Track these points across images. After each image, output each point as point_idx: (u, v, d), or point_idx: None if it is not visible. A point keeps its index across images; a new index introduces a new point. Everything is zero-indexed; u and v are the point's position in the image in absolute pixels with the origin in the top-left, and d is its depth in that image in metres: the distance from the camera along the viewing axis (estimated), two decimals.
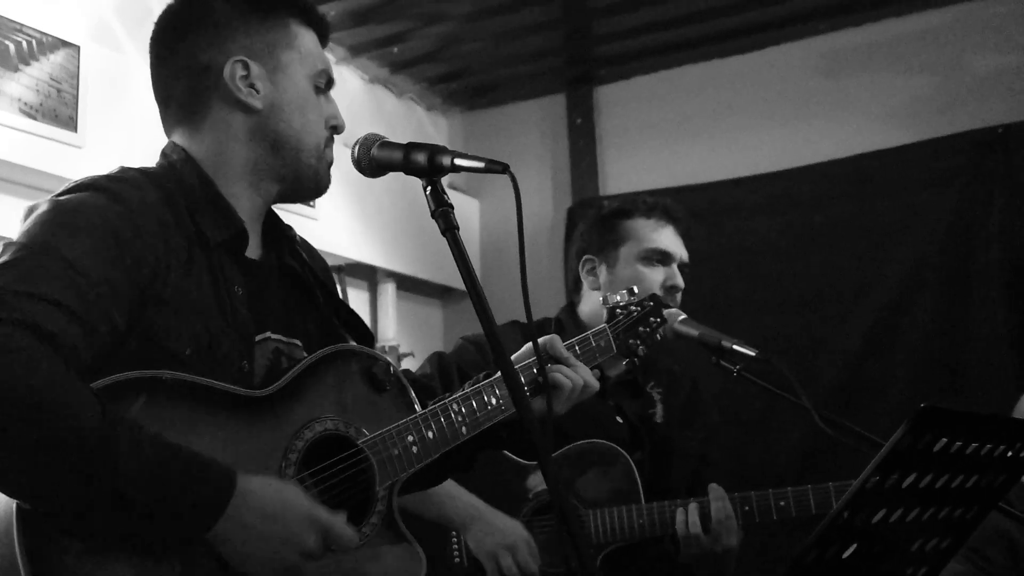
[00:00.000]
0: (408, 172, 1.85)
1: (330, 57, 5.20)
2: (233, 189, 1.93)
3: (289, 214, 2.18)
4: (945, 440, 1.68)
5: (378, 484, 1.86)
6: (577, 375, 2.10)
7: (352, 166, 1.93)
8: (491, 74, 5.35)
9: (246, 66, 1.91)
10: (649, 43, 5.01)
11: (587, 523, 2.85)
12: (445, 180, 4.90)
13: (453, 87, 5.48)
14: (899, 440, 1.61)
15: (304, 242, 2.17)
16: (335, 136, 2.03)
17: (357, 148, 1.91)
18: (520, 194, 1.75)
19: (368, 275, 5.10)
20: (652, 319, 2.43)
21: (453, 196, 5.71)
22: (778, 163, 4.86)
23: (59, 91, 3.56)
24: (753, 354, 2.64)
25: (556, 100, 5.49)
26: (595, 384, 2.13)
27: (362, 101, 5.13)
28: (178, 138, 1.97)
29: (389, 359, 2.00)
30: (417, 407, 1.96)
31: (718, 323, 2.85)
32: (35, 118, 3.49)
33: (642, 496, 2.89)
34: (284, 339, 1.90)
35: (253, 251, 1.97)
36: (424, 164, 1.82)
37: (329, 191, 2.05)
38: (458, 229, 1.78)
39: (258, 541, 1.63)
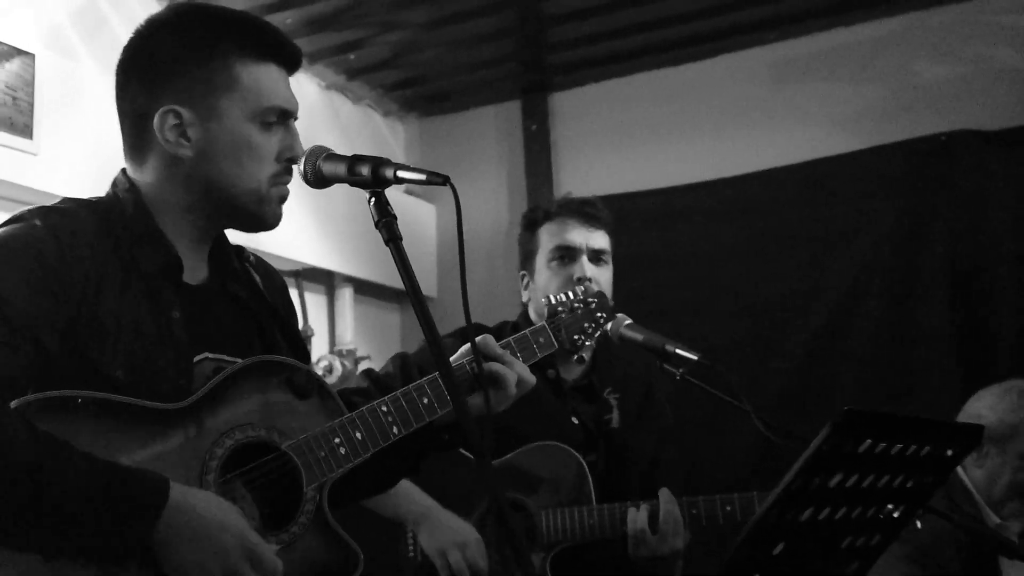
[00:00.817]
0: (353, 184, 1.89)
1: None
2: (172, 221, 1.95)
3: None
4: (870, 441, 1.74)
5: (305, 485, 1.87)
6: (511, 371, 2.10)
7: None
8: (447, 81, 5.37)
9: (178, 115, 1.91)
10: (602, 51, 5.06)
11: (539, 523, 2.89)
12: (402, 187, 4.90)
13: (409, 93, 5.49)
14: (823, 442, 1.67)
15: (261, 264, 2.18)
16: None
17: (303, 161, 1.94)
18: (460, 204, 1.79)
19: (325, 280, 5.11)
20: (599, 315, 2.43)
21: (410, 202, 5.69)
22: (729, 169, 4.91)
23: (15, 99, 3.56)
24: (696, 358, 2.69)
25: (511, 107, 5.51)
26: (530, 380, 2.13)
27: (319, 107, 5.13)
28: (128, 167, 2.00)
29: (311, 368, 2.00)
30: (344, 411, 1.96)
31: (670, 327, 2.89)
32: None
33: (593, 497, 2.93)
34: (226, 358, 1.91)
35: (197, 276, 2.00)
36: (368, 176, 1.85)
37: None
38: (401, 239, 1.81)
39: (191, 549, 1.67)
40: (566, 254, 3.11)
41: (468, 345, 2.09)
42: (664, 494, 2.88)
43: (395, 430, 1.98)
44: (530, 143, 5.42)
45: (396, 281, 5.24)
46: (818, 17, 4.77)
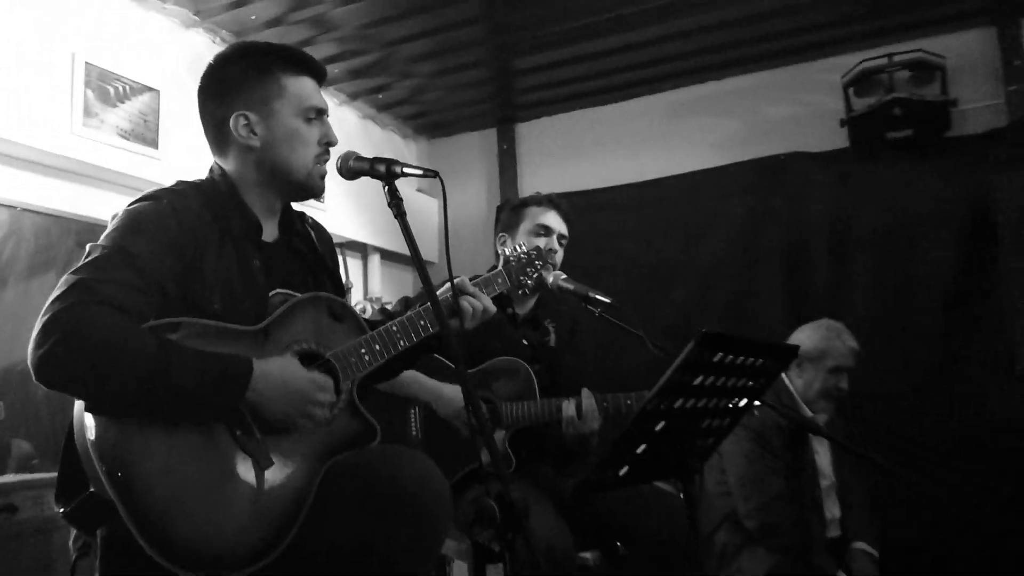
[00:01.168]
0: (373, 176, 1.88)
1: (333, 99, 5.09)
2: (251, 196, 1.93)
3: (307, 206, 2.15)
4: (722, 354, 1.76)
5: (342, 382, 1.86)
6: (479, 302, 2.08)
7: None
8: (446, 114, 5.31)
9: (246, 117, 1.89)
10: (553, 95, 5.02)
11: (500, 411, 2.87)
12: (413, 186, 4.83)
13: (420, 123, 5.44)
14: (688, 353, 1.67)
15: (316, 225, 2.14)
16: (331, 149, 1.98)
17: (339, 161, 1.93)
18: (446, 191, 1.83)
19: (361, 249, 5.07)
20: (537, 263, 2.41)
21: (419, 198, 5.62)
22: (635, 176, 4.89)
23: (146, 121, 3.52)
24: (609, 301, 2.68)
25: (489, 133, 5.47)
26: (492, 309, 2.11)
27: (358, 132, 5.09)
28: (218, 160, 1.97)
29: (345, 300, 1.99)
30: (367, 330, 1.95)
31: (591, 283, 2.87)
32: (129, 139, 3.45)
33: (538, 394, 2.92)
34: (291, 293, 1.89)
35: (270, 236, 1.97)
36: (383, 171, 1.86)
37: (332, 190, 1.99)
38: (406, 215, 1.81)
39: (277, 398, 1.68)
40: (543, 231, 3.09)
41: (449, 283, 2.09)
42: (585, 391, 2.88)
43: (402, 343, 1.97)
44: (502, 158, 5.38)
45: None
46: (699, 73, 4.75)
